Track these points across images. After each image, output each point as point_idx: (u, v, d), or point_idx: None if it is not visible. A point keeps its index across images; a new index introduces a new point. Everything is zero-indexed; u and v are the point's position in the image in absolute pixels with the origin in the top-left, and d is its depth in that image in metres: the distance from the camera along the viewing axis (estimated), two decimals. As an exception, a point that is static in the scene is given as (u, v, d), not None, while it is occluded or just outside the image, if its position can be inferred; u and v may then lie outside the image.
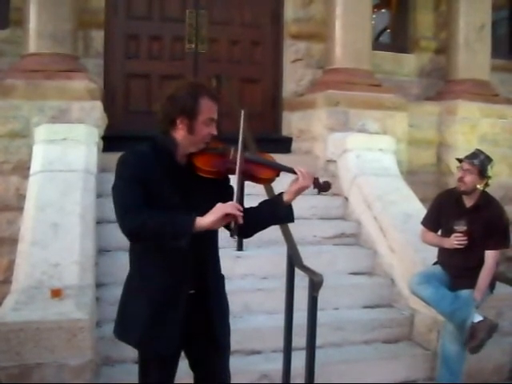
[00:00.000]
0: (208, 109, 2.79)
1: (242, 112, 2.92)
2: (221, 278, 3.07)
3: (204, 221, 2.60)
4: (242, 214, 2.63)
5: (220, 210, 2.61)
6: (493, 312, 4.68)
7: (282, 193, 2.97)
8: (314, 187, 2.98)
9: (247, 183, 3.10)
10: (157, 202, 2.70)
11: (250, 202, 3.04)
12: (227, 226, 2.69)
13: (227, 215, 2.60)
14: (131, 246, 2.90)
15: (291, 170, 2.94)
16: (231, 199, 2.71)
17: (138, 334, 2.84)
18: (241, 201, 2.73)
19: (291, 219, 3.01)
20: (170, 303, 2.81)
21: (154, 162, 2.75)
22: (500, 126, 7.84)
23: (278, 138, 7.62)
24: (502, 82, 8.53)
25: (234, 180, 2.85)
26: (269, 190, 4.16)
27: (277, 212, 2.95)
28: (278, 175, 2.98)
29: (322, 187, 3.00)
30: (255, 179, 2.94)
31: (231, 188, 2.89)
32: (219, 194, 2.78)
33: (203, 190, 2.79)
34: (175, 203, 2.74)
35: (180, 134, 2.79)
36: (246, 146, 2.88)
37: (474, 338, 4.36)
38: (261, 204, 3.04)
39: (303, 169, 2.92)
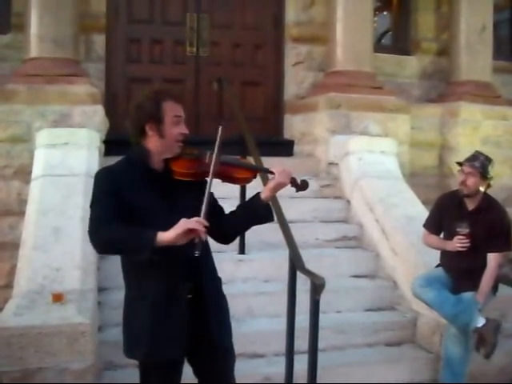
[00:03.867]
0: (171, 109, 2.84)
1: (220, 128, 2.93)
2: (218, 281, 3.06)
3: (166, 236, 2.56)
4: (205, 229, 2.59)
5: (182, 225, 2.56)
6: (496, 314, 4.65)
7: (258, 193, 2.98)
8: (292, 185, 2.99)
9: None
10: (138, 212, 2.72)
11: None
12: (192, 244, 2.64)
13: (190, 231, 2.56)
14: (122, 260, 2.90)
15: (267, 170, 2.99)
16: (212, 202, 2.76)
17: (143, 347, 2.83)
18: (208, 215, 2.69)
19: (270, 218, 3.01)
20: (168, 311, 2.80)
21: (129, 176, 2.79)
22: (502, 128, 7.85)
23: (279, 141, 7.62)
24: (504, 84, 8.52)
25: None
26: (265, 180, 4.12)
27: (254, 212, 2.95)
28: (255, 176, 3.03)
29: (300, 186, 3.01)
30: (232, 179, 2.97)
31: (211, 193, 2.88)
32: (199, 198, 2.77)
33: (184, 194, 2.81)
34: (159, 210, 2.77)
35: (152, 140, 2.83)
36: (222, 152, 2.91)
37: (484, 343, 4.36)
38: (238, 207, 3.07)
39: (280, 167, 2.94)
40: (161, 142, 2.82)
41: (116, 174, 2.80)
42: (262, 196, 2.93)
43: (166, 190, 2.83)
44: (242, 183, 3.13)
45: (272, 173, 2.94)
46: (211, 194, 2.87)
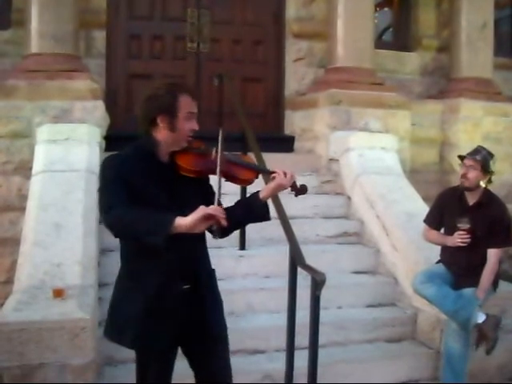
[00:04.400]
0: (187, 104, 2.84)
1: (220, 131, 2.94)
2: (212, 273, 3.08)
3: (184, 221, 2.54)
4: (224, 216, 2.59)
5: (201, 210, 2.55)
6: (496, 310, 4.66)
7: (258, 191, 3.00)
8: (292, 189, 3.03)
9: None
10: (144, 203, 2.70)
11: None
12: (210, 230, 2.65)
13: (209, 217, 2.56)
14: (121, 246, 2.91)
15: (270, 172, 3.00)
16: (212, 197, 2.74)
17: (131, 334, 2.84)
18: (219, 202, 2.72)
19: (267, 217, 3.03)
20: (162, 300, 2.81)
21: (136, 164, 2.78)
22: (503, 125, 7.84)
23: (280, 137, 7.62)
24: (504, 80, 8.52)
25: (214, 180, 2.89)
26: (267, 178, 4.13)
27: (252, 210, 2.96)
28: (257, 177, 3.04)
29: (299, 190, 3.05)
30: (235, 180, 2.98)
31: (211, 187, 2.94)
32: (201, 193, 2.82)
33: (187, 188, 2.83)
34: (162, 203, 2.76)
35: (162, 133, 2.83)
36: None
37: (484, 339, 4.36)
38: (237, 203, 3.09)
39: (284, 169, 2.96)
40: (171, 135, 2.83)
41: (124, 161, 2.79)
42: (261, 195, 2.96)
43: (169, 183, 2.82)
44: (244, 184, 3.14)
45: (274, 174, 2.95)
46: (210, 187, 2.89)
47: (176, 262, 2.83)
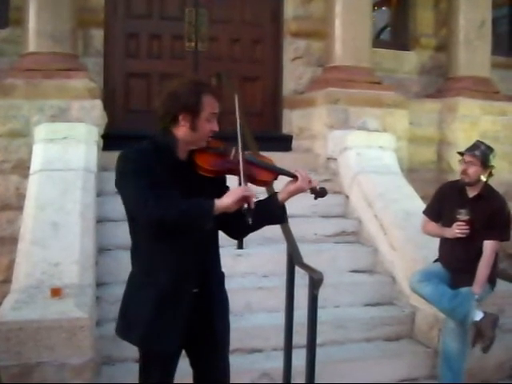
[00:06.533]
0: (210, 105, 2.80)
1: (236, 97, 2.93)
2: (222, 276, 3.08)
3: (223, 202, 2.63)
4: (255, 196, 2.68)
5: (238, 191, 2.65)
6: (494, 309, 4.65)
7: (276, 193, 2.96)
8: (311, 192, 2.98)
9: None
10: None
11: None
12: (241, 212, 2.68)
13: (243, 197, 2.64)
14: (134, 244, 2.90)
15: (290, 174, 2.94)
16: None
17: (141, 332, 2.84)
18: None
19: (284, 220, 3.02)
20: (174, 301, 2.81)
21: (154, 159, 2.74)
22: (501, 123, 7.84)
23: (278, 136, 7.63)
24: (502, 79, 8.51)
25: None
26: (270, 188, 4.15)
27: (271, 212, 2.93)
28: (276, 178, 2.98)
29: (319, 193, 3.00)
30: (254, 181, 2.92)
31: (228, 188, 2.90)
32: (217, 192, 2.77)
33: (203, 186, 2.80)
34: None
35: (182, 130, 2.79)
36: (247, 147, 2.87)
37: (481, 337, 4.36)
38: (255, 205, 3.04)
39: (303, 172, 2.93)
40: (191, 134, 2.79)
41: (145, 158, 2.75)
42: (280, 197, 2.92)
43: (186, 181, 2.79)
44: (263, 186, 3.10)
45: (295, 176, 2.91)
46: (227, 188, 2.87)
47: (189, 261, 2.82)
